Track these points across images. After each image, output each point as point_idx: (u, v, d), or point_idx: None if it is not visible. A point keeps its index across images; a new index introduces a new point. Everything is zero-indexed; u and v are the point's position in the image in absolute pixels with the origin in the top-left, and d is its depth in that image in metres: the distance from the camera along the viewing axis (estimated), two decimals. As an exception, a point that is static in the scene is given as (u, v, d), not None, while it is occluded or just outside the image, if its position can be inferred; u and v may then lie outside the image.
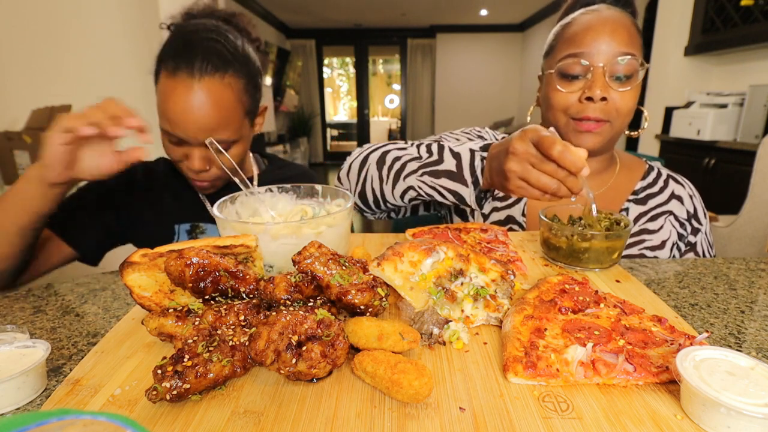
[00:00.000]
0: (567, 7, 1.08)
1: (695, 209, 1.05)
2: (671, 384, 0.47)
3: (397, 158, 0.96)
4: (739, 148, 3.04)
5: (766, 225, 2.03)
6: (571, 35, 0.96)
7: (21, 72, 2.64)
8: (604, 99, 0.92)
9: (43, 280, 0.90)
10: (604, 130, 0.95)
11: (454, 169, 0.87)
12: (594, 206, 0.77)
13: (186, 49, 0.92)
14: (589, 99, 0.92)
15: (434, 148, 0.93)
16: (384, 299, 0.56)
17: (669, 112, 3.81)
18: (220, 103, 0.93)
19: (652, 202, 1.04)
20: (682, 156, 3.55)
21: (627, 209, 1.04)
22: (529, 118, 1.07)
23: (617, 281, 0.73)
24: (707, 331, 0.55)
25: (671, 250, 1.01)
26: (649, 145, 4.08)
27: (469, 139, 1.08)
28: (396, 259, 0.57)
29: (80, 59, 2.69)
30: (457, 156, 0.89)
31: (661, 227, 1.01)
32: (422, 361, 0.49)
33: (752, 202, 2.11)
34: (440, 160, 0.90)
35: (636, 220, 1.02)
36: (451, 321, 0.56)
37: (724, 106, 3.28)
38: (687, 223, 1.03)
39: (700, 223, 1.04)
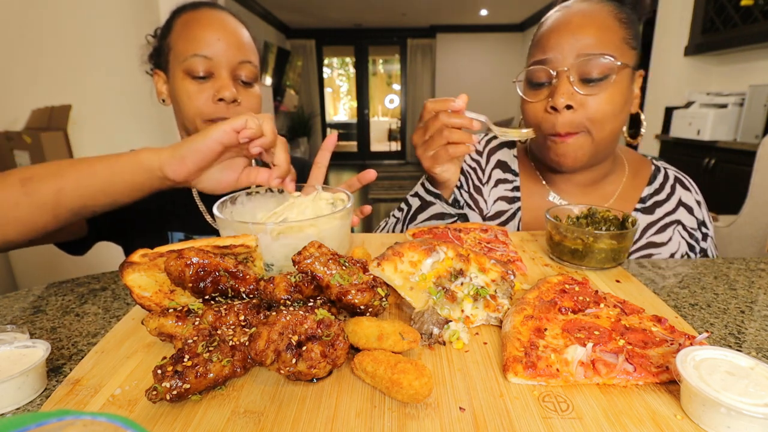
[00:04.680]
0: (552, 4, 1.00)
1: (704, 217, 0.99)
2: (671, 384, 0.47)
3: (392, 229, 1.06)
4: (739, 148, 3.04)
5: (766, 225, 2.03)
6: (537, 38, 0.88)
7: (21, 72, 2.63)
8: (569, 107, 0.82)
9: (43, 280, 0.90)
10: (580, 143, 0.86)
11: (420, 203, 0.98)
12: (492, 125, 0.85)
13: (201, 2, 1.00)
14: (554, 109, 0.83)
15: (402, 204, 1.03)
16: (384, 299, 0.56)
17: (669, 112, 3.81)
18: (244, 30, 1.00)
19: (659, 211, 0.97)
20: (682, 156, 3.55)
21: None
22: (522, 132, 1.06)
23: (617, 281, 0.73)
24: (707, 331, 0.55)
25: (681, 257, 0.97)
26: (649, 145, 4.08)
27: None
28: (396, 259, 0.57)
29: (80, 59, 2.69)
30: (415, 195, 1.01)
31: (670, 239, 0.95)
32: (422, 361, 0.49)
33: (752, 202, 2.11)
34: (409, 208, 1.01)
35: (643, 232, 0.96)
36: (451, 321, 0.56)
37: (724, 106, 3.28)
38: (697, 231, 0.98)
39: (708, 229, 0.99)
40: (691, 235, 0.96)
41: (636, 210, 0.98)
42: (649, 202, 0.98)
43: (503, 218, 1.04)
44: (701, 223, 0.99)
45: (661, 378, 0.47)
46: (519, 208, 1.02)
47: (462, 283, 0.59)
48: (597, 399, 0.45)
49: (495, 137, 1.11)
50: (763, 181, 2.08)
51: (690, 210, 0.98)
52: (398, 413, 0.43)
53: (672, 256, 0.95)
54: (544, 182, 1.03)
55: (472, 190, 1.05)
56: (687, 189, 1.00)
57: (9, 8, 2.52)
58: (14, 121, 2.66)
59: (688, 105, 3.61)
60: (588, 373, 0.47)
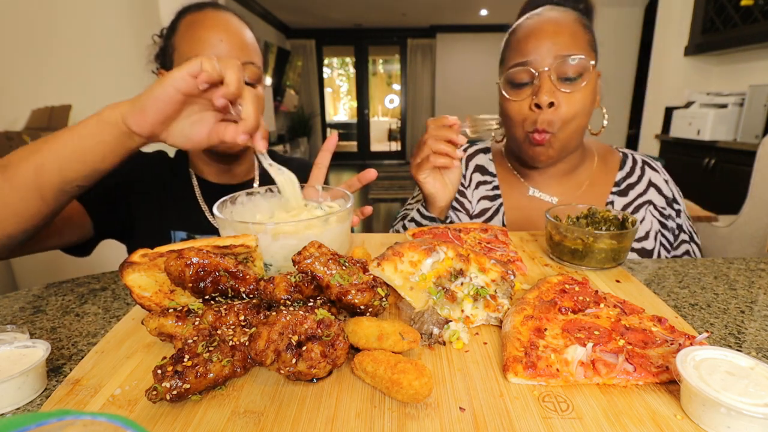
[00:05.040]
0: (520, 12, 1.08)
1: (672, 193, 1.05)
2: (671, 384, 0.47)
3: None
4: (739, 148, 3.04)
5: (766, 225, 2.03)
6: (516, 42, 0.96)
7: (21, 72, 2.63)
8: (552, 104, 0.90)
9: (43, 280, 0.90)
10: (551, 143, 0.95)
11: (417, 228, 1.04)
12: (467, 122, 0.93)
13: (205, 3, 1.00)
14: (537, 106, 0.91)
15: (400, 228, 1.09)
16: (384, 299, 0.56)
17: (669, 112, 3.81)
18: (247, 31, 1.00)
19: (632, 193, 1.05)
20: (682, 156, 3.55)
21: (612, 202, 1.05)
22: (493, 134, 1.14)
23: (617, 281, 0.73)
24: (707, 331, 0.55)
25: (655, 239, 1.02)
26: (649, 145, 4.08)
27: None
28: (396, 259, 0.57)
29: (80, 59, 2.69)
30: (411, 220, 1.04)
31: (644, 218, 1.02)
32: (422, 361, 0.49)
33: (752, 202, 2.11)
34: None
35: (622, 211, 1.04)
36: (451, 321, 0.56)
37: (724, 106, 3.28)
38: (668, 208, 1.04)
39: (679, 205, 1.06)
40: (661, 213, 1.03)
41: (612, 193, 1.06)
42: (623, 185, 1.06)
43: (488, 215, 1.11)
44: (672, 201, 1.05)
45: (661, 378, 0.47)
46: (501, 204, 1.10)
47: (462, 283, 0.59)
48: (597, 399, 0.45)
49: (473, 146, 1.23)
50: (763, 181, 2.08)
51: (659, 189, 1.05)
52: (398, 413, 0.43)
53: (647, 234, 1.01)
54: (522, 179, 1.12)
55: (456, 195, 1.13)
56: (655, 170, 1.07)
57: (9, 8, 2.52)
58: (14, 121, 2.66)
59: (688, 105, 3.61)
60: (588, 373, 0.47)
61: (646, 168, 1.07)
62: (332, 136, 0.95)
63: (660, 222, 1.02)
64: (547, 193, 1.07)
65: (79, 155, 0.70)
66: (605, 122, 1.02)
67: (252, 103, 0.71)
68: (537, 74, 0.91)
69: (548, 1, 1.02)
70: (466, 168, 1.16)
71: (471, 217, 1.12)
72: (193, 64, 0.66)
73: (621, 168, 1.08)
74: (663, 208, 1.03)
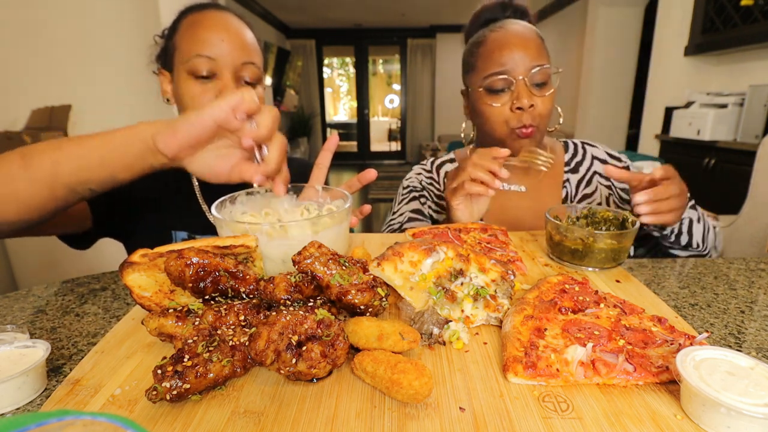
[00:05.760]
0: (470, 24, 1.19)
1: (611, 157, 1.20)
2: (671, 384, 0.47)
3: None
4: (739, 148, 3.03)
5: (766, 225, 2.02)
6: (488, 53, 1.06)
7: (21, 72, 2.63)
8: (532, 106, 1.03)
9: (43, 280, 0.90)
10: (536, 135, 1.08)
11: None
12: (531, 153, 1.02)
13: (206, 3, 1.01)
14: (520, 108, 1.03)
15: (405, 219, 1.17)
16: (384, 299, 0.56)
17: (669, 112, 3.81)
18: (248, 32, 1.01)
19: (582, 168, 1.19)
20: (682, 156, 3.55)
21: (568, 180, 1.18)
22: (463, 134, 1.22)
23: (617, 281, 0.73)
24: (707, 331, 0.55)
25: (608, 202, 1.16)
26: (649, 145, 4.08)
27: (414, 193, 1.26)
28: (396, 259, 0.57)
29: (80, 59, 2.69)
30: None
31: (596, 188, 1.17)
32: (422, 361, 0.49)
33: (752, 202, 2.11)
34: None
35: (577, 187, 1.18)
36: (451, 321, 0.56)
37: (724, 106, 3.27)
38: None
39: (622, 161, 1.19)
40: (607, 179, 1.17)
41: (566, 172, 1.19)
42: (573, 164, 1.21)
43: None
44: (612, 156, 1.20)
45: (661, 378, 0.47)
46: None
47: (462, 283, 0.59)
48: (597, 399, 0.45)
49: (439, 159, 1.33)
50: (763, 181, 2.08)
51: (603, 161, 1.20)
52: (398, 413, 0.43)
53: (600, 204, 1.15)
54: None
55: (435, 199, 1.25)
56: (593, 146, 1.23)
57: (9, 8, 2.52)
58: (14, 121, 2.66)
59: (688, 105, 3.61)
60: (588, 373, 0.47)
61: (586, 146, 1.23)
62: (333, 136, 0.95)
63: (606, 186, 1.17)
64: (515, 184, 1.20)
65: (104, 160, 0.71)
66: (561, 120, 1.17)
67: (278, 150, 0.73)
68: (514, 82, 1.03)
69: (496, 12, 1.15)
70: (438, 175, 1.28)
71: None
72: (235, 96, 0.67)
73: (566, 151, 1.23)
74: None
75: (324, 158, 0.93)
